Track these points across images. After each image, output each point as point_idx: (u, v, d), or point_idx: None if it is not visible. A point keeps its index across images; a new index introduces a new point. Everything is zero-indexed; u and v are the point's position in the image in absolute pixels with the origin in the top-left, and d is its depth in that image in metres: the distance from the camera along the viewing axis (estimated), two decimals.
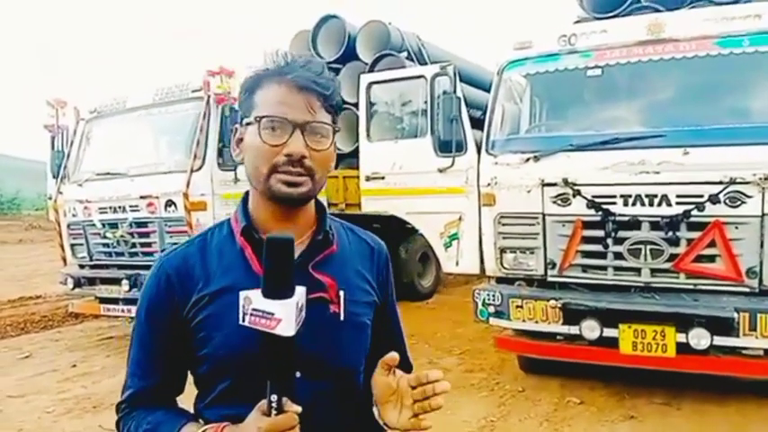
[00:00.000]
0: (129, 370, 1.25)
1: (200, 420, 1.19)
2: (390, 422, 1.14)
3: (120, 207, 6.72)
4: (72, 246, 7.34)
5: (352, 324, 1.21)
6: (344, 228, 1.33)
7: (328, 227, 1.23)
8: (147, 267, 6.20)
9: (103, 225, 6.85)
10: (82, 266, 7.30)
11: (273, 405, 0.98)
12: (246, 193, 1.25)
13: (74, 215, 7.14)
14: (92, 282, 7.03)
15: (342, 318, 1.18)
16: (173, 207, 6.36)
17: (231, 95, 6.41)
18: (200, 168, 6.36)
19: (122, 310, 6.76)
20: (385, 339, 1.33)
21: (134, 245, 6.75)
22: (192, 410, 1.24)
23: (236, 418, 1.06)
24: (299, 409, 1.00)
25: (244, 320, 0.99)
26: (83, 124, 7.53)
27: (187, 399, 1.28)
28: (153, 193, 6.47)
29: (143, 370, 1.23)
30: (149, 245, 6.68)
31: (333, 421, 1.18)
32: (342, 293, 1.19)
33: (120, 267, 6.81)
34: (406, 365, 1.34)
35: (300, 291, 1.00)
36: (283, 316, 0.96)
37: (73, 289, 7.15)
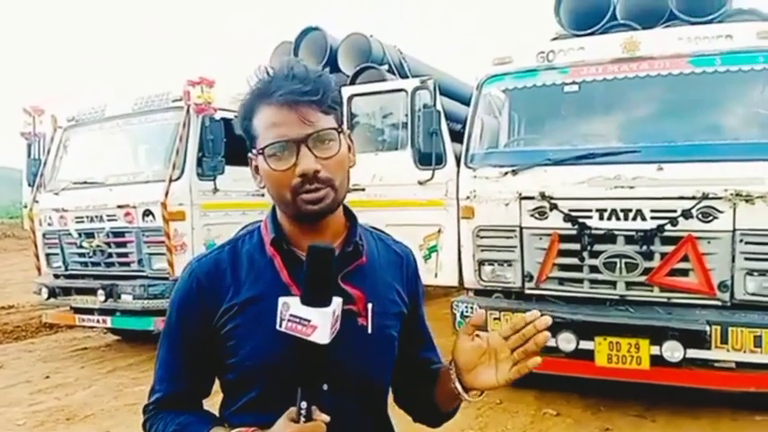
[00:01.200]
0: (158, 374, 1.25)
1: (226, 425, 1.18)
2: (488, 382, 1.13)
3: (96, 216, 6.65)
4: (47, 255, 7.23)
5: (380, 337, 1.20)
6: (374, 237, 1.31)
7: (358, 237, 1.22)
8: (124, 278, 6.18)
9: (80, 234, 6.76)
10: (57, 276, 7.20)
11: (303, 412, 0.99)
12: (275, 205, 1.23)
13: (49, 224, 7.04)
14: (67, 292, 6.94)
15: (369, 331, 1.17)
16: (150, 217, 6.32)
17: (211, 105, 6.40)
18: (178, 178, 6.32)
19: (98, 321, 6.70)
20: (416, 347, 1.34)
21: (111, 255, 6.68)
22: (217, 413, 1.24)
23: (263, 427, 1.06)
24: (328, 418, 1.00)
25: (281, 326, 1.00)
26: (60, 132, 7.45)
27: (212, 400, 1.27)
28: (131, 203, 6.42)
29: (172, 374, 1.23)
30: (126, 255, 6.61)
31: None
32: (370, 306, 1.17)
33: (96, 277, 6.73)
34: (435, 364, 1.34)
35: (337, 301, 1.02)
36: (319, 323, 0.98)
37: (47, 299, 7.04)
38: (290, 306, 1.00)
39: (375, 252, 1.27)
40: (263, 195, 5.46)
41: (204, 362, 1.20)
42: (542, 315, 1.10)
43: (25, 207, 7.82)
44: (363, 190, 5.69)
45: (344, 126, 1.19)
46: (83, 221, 6.75)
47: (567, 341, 4.21)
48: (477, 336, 1.14)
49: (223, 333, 1.15)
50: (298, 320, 0.99)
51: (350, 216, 1.25)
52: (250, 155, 1.18)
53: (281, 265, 1.16)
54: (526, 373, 1.11)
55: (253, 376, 1.14)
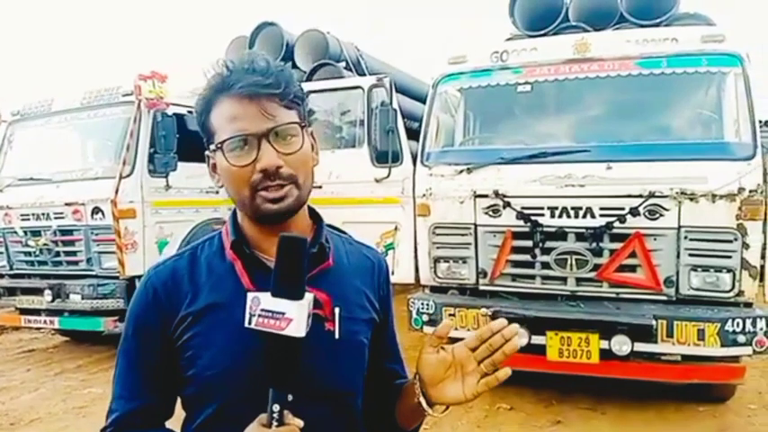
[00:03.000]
0: (115, 392, 1.16)
1: None
2: (455, 397, 1.08)
3: (43, 214, 6.44)
4: None
5: (349, 343, 1.14)
6: (342, 240, 1.25)
7: (324, 239, 1.16)
8: (72, 277, 6.01)
9: (25, 233, 6.55)
10: (1, 276, 6.95)
11: (275, 416, 0.94)
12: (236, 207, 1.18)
13: None
14: (12, 292, 6.71)
15: (337, 336, 1.11)
16: (100, 214, 6.15)
17: (163, 100, 6.27)
18: (129, 175, 6.17)
19: (45, 322, 6.50)
20: (382, 357, 1.28)
21: (58, 253, 6.48)
22: None
23: None
24: (301, 423, 0.95)
25: (250, 322, 0.95)
26: (5, 126, 7.19)
27: (176, 421, 1.21)
28: (79, 200, 6.24)
29: (129, 391, 1.15)
30: (74, 254, 6.43)
31: None
32: (337, 310, 1.12)
33: (43, 277, 6.53)
34: (399, 377, 1.31)
35: (310, 296, 0.97)
36: (295, 316, 0.93)
37: None
38: (261, 301, 0.94)
39: (343, 256, 1.21)
40: (217, 192, 5.42)
41: (164, 376, 1.13)
42: (508, 322, 1.06)
43: None
44: (320, 187, 5.65)
45: (307, 124, 1.14)
46: (29, 219, 6.54)
47: (519, 336, 4.25)
48: (443, 348, 1.10)
49: (180, 343, 1.09)
50: (270, 315, 0.93)
51: (315, 217, 1.20)
52: (207, 152, 1.13)
53: (242, 270, 1.10)
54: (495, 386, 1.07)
55: (213, 388, 1.08)
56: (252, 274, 1.10)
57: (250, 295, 0.96)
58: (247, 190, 1.06)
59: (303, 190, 1.09)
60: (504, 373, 1.06)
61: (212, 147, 1.09)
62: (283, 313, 0.93)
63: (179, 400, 1.19)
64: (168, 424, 1.21)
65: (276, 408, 0.94)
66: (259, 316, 0.94)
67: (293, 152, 1.07)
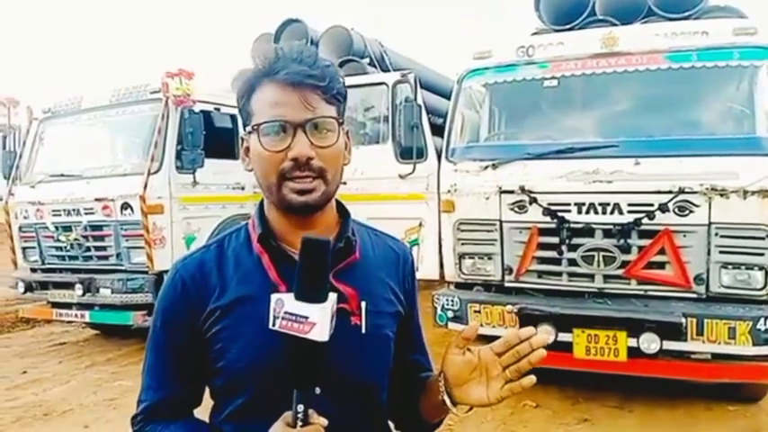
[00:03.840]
0: (145, 382, 1.19)
1: None
2: (479, 399, 1.08)
3: (74, 210, 6.56)
4: (23, 249, 7.14)
5: (375, 337, 1.14)
6: (368, 232, 1.25)
7: (351, 232, 1.16)
8: (102, 272, 6.14)
9: (57, 228, 6.68)
10: (34, 270, 7.12)
11: (299, 416, 0.94)
12: (263, 199, 1.18)
13: (25, 217, 6.95)
14: (44, 286, 6.87)
15: (363, 330, 1.11)
16: (129, 210, 6.25)
17: (190, 97, 6.34)
18: (157, 171, 6.26)
19: (76, 315, 6.62)
20: (408, 349, 1.28)
21: (88, 248, 6.60)
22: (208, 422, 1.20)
23: None
24: (325, 422, 0.96)
25: (274, 324, 0.95)
26: (36, 124, 7.34)
27: (204, 410, 1.23)
28: (108, 196, 6.34)
29: (159, 381, 1.17)
30: (104, 248, 6.54)
31: None
32: (363, 304, 1.12)
33: (74, 271, 6.68)
34: (424, 369, 1.31)
35: (333, 297, 0.97)
36: (318, 320, 0.93)
37: (24, 293, 6.98)
38: (285, 303, 0.94)
39: (370, 249, 1.21)
40: (243, 189, 5.50)
41: (192, 367, 1.14)
42: (537, 335, 1.06)
43: (0, 200, 7.69)
44: (345, 183, 5.65)
45: (344, 122, 1.13)
46: (60, 215, 6.66)
47: (545, 333, 4.25)
48: (469, 350, 1.09)
49: (209, 336, 1.10)
50: (294, 318, 0.93)
51: (342, 211, 1.20)
52: (242, 134, 1.14)
53: (269, 263, 1.11)
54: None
55: (241, 380, 1.09)
56: (279, 266, 1.10)
57: (274, 297, 0.96)
58: (275, 177, 1.06)
59: (330, 185, 1.09)
60: (529, 380, 1.05)
61: (248, 129, 1.10)
62: (307, 317, 0.93)
63: (206, 390, 1.21)
64: (196, 412, 1.23)
65: (300, 408, 0.95)
66: (283, 318, 0.94)
67: (327, 146, 1.07)
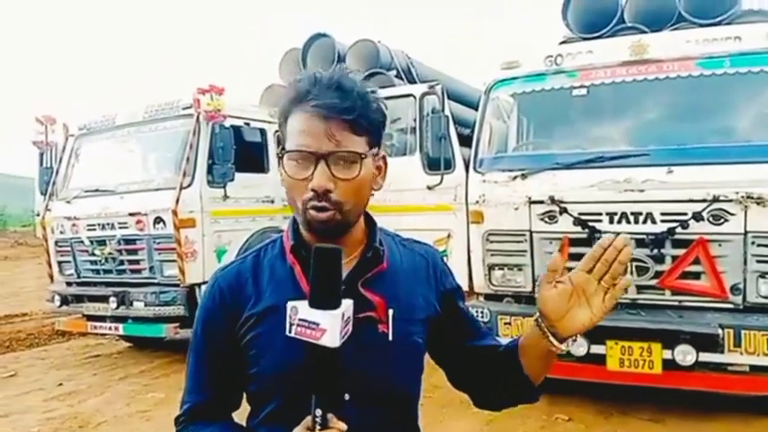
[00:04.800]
0: (187, 385, 1.24)
1: None
2: (585, 322, 1.09)
3: (108, 224, 6.70)
4: (59, 263, 7.30)
5: (402, 344, 1.17)
6: (396, 241, 1.28)
7: (378, 242, 1.19)
8: (135, 285, 6.24)
9: (91, 242, 6.82)
10: (69, 284, 7.27)
11: (318, 420, 0.97)
12: None
13: (61, 232, 7.11)
14: (79, 299, 7.00)
15: (390, 338, 1.14)
16: (161, 224, 6.35)
17: (221, 113, 6.44)
18: (189, 185, 6.36)
19: (110, 328, 6.73)
20: (469, 338, 1.30)
21: (122, 262, 6.73)
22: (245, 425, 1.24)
23: None
24: (344, 426, 0.98)
25: (290, 331, 0.98)
26: (72, 141, 7.53)
27: (243, 414, 1.28)
28: (142, 210, 6.46)
29: (199, 385, 1.23)
30: (138, 262, 6.65)
31: None
32: (391, 312, 1.15)
33: (108, 285, 6.79)
34: (494, 349, 1.30)
35: (347, 303, 0.99)
36: (328, 326, 0.95)
37: (60, 306, 7.11)
38: (299, 310, 0.97)
39: (398, 257, 1.24)
40: (272, 202, 5.55)
41: (229, 372, 1.19)
42: (618, 237, 1.07)
43: (37, 215, 7.88)
44: (373, 195, 5.68)
45: (379, 149, 1.15)
46: (94, 229, 6.81)
47: (578, 345, 4.18)
48: (559, 281, 1.11)
49: (245, 343, 1.15)
50: (306, 324, 0.96)
51: (370, 221, 1.23)
52: (279, 153, 1.18)
53: (300, 273, 1.15)
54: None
55: (273, 386, 1.14)
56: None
57: (290, 304, 0.99)
58: (300, 203, 1.10)
59: (347, 216, 1.11)
60: (625, 282, 1.09)
61: (277, 152, 1.15)
62: (318, 324, 0.96)
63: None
64: (235, 415, 1.27)
65: (318, 412, 0.97)
66: (297, 325, 0.97)
67: (348, 179, 1.09)
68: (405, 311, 1.18)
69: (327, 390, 0.99)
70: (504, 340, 1.33)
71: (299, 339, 0.98)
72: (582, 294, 1.09)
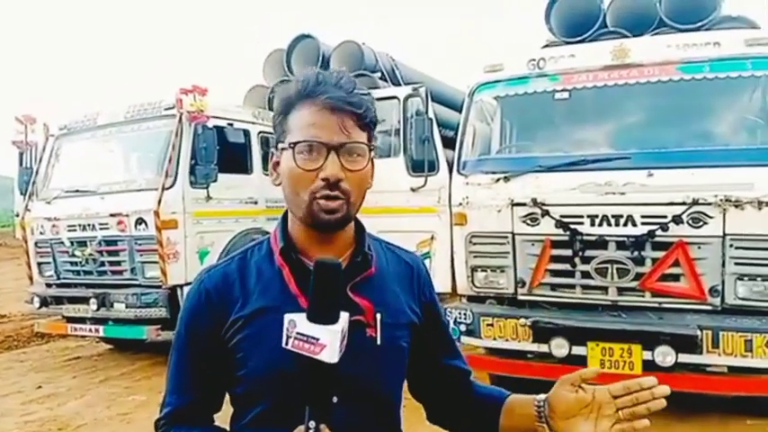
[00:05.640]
0: (169, 386, 1.23)
1: None
2: None
3: (89, 225, 6.64)
4: (39, 264, 7.21)
5: (389, 348, 1.18)
6: (383, 246, 1.30)
7: (367, 247, 1.21)
8: (116, 286, 6.17)
9: (72, 243, 6.75)
10: (49, 285, 7.19)
11: (311, 431, 0.97)
12: (286, 212, 1.23)
13: (41, 233, 7.03)
14: (59, 301, 6.92)
15: (378, 342, 1.16)
16: (143, 225, 6.30)
17: (204, 113, 6.41)
18: (171, 186, 6.32)
19: (90, 330, 6.67)
20: (442, 355, 1.34)
21: (103, 263, 6.66)
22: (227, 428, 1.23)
23: None
24: None
25: (287, 344, 0.98)
26: (52, 141, 7.44)
27: (224, 415, 1.27)
28: (123, 211, 6.41)
29: (181, 387, 1.22)
30: (119, 263, 6.60)
31: None
32: (378, 316, 1.16)
33: (89, 286, 6.72)
34: (464, 372, 1.37)
35: (345, 317, 0.99)
36: (328, 342, 0.95)
37: (39, 308, 7.03)
38: (297, 323, 0.97)
39: (384, 262, 1.26)
40: (256, 203, 5.53)
41: (213, 374, 1.19)
42: (659, 385, 1.08)
43: (17, 216, 7.78)
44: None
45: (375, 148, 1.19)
46: (75, 230, 6.74)
47: (559, 347, 4.22)
48: (581, 387, 1.13)
49: (231, 345, 1.15)
50: (305, 339, 0.96)
51: (359, 226, 1.24)
52: (273, 150, 1.19)
53: (289, 276, 1.15)
54: None
55: (261, 389, 1.14)
56: (298, 279, 1.14)
57: (287, 317, 0.99)
58: (307, 194, 1.11)
59: (352, 208, 1.14)
60: (643, 424, 1.09)
61: (282, 145, 1.15)
62: (317, 339, 0.96)
63: (227, 396, 1.24)
64: (216, 418, 1.26)
65: (312, 424, 0.97)
66: (295, 338, 0.97)
67: (356, 170, 1.12)
68: (391, 316, 1.19)
69: (321, 401, 0.99)
70: (480, 382, 1.37)
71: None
72: (596, 411, 1.11)
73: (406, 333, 1.23)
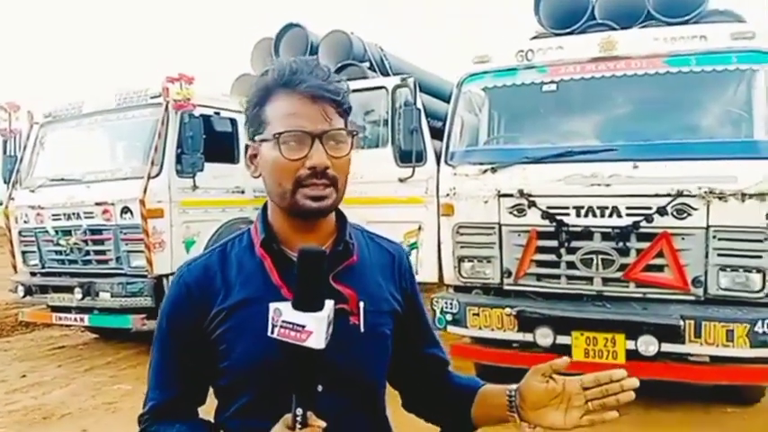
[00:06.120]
0: (151, 382, 1.23)
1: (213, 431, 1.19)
2: (555, 424, 1.13)
3: (74, 214, 6.58)
4: (23, 253, 7.15)
5: (373, 336, 1.19)
6: (364, 235, 1.31)
7: (348, 236, 1.21)
8: (101, 276, 6.13)
9: (56, 232, 6.69)
10: (33, 274, 7.13)
11: (298, 419, 0.98)
12: (266, 204, 1.23)
13: (25, 221, 6.96)
14: (43, 290, 6.87)
15: (362, 329, 1.16)
16: (129, 214, 6.26)
17: (191, 102, 6.36)
18: (157, 175, 6.27)
19: (75, 319, 6.63)
20: (421, 344, 1.36)
21: (88, 252, 6.61)
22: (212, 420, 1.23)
23: (260, 430, 1.05)
24: (324, 424, 0.99)
25: (273, 332, 0.98)
26: (37, 129, 7.35)
27: (209, 408, 1.26)
28: (108, 200, 6.36)
29: (164, 381, 1.21)
30: (104, 252, 6.55)
31: None
32: (362, 304, 1.17)
33: (73, 275, 6.67)
34: (442, 362, 1.38)
35: (330, 304, 1.00)
36: (314, 329, 0.96)
37: (24, 297, 6.98)
38: (283, 312, 0.97)
39: (366, 251, 1.26)
40: (243, 192, 5.51)
41: (197, 367, 1.18)
42: (629, 378, 1.11)
43: (0, 204, 7.70)
44: None
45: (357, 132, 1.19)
46: (60, 219, 6.68)
47: (544, 336, 4.26)
48: (552, 378, 1.15)
49: (214, 337, 1.14)
50: (291, 326, 0.96)
51: (340, 215, 1.25)
52: (249, 142, 1.18)
53: (271, 267, 1.15)
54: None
55: (245, 380, 1.14)
56: (281, 270, 1.15)
57: (272, 306, 0.99)
58: (291, 184, 1.10)
59: (339, 194, 1.15)
60: (612, 415, 1.11)
61: (261, 136, 1.14)
62: (304, 326, 0.96)
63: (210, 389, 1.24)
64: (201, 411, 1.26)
65: (299, 411, 0.98)
66: (281, 327, 0.97)
67: (340, 157, 1.12)
68: (374, 304, 1.20)
69: (307, 388, 1.00)
70: (459, 374, 1.39)
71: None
72: (565, 401, 1.13)
73: (389, 320, 1.24)
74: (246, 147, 1.19)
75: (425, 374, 1.36)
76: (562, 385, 1.14)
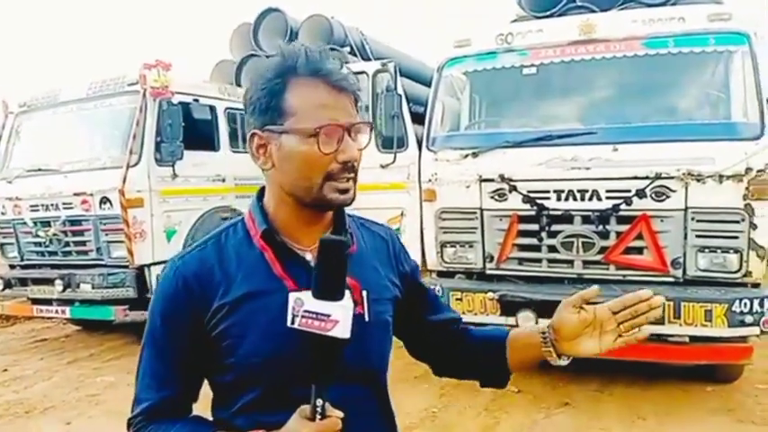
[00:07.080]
0: (143, 381, 1.17)
1: (217, 427, 1.16)
2: (591, 351, 1.18)
3: (52, 205, 6.48)
4: (1, 245, 7.05)
5: (377, 324, 1.19)
6: (357, 223, 1.30)
7: (347, 226, 1.21)
8: (82, 267, 6.02)
9: (35, 223, 6.60)
10: (12, 266, 7.05)
11: (318, 410, 0.97)
12: (260, 193, 1.20)
13: (3, 213, 6.85)
14: (23, 282, 6.78)
15: (367, 318, 1.16)
16: (108, 204, 6.18)
17: (169, 89, 6.27)
18: (136, 164, 6.19)
19: (56, 311, 6.56)
20: (434, 313, 1.39)
21: (68, 244, 6.53)
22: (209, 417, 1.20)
23: (271, 425, 1.03)
24: (341, 414, 0.99)
25: (293, 323, 0.97)
26: (12, 118, 7.22)
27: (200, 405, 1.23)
28: (87, 190, 6.27)
29: (160, 380, 1.15)
30: (84, 243, 6.48)
31: (362, 423, 1.14)
32: (365, 294, 1.17)
33: (54, 267, 6.60)
34: (454, 320, 1.42)
35: (348, 293, 1.00)
36: (340, 317, 0.96)
37: (3, 290, 6.88)
38: (305, 301, 0.96)
39: (361, 239, 1.26)
40: (223, 180, 5.44)
41: (195, 365, 1.15)
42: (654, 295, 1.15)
43: None
44: None
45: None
46: (38, 210, 6.58)
47: (526, 319, 4.29)
48: (583, 308, 1.18)
49: (216, 333, 1.10)
50: (314, 316, 0.95)
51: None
52: (259, 132, 1.11)
53: (273, 259, 1.13)
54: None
55: (253, 375, 1.10)
56: (283, 262, 1.13)
57: (292, 296, 0.98)
58: (320, 177, 1.09)
59: (356, 185, 1.15)
60: (643, 334, 1.17)
61: (282, 128, 1.09)
62: (329, 315, 0.96)
63: (207, 386, 1.21)
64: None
65: (320, 402, 0.97)
66: (302, 317, 0.96)
67: (362, 149, 1.13)
68: (376, 292, 1.20)
69: (328, 379, 0.99)
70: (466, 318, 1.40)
71: (289, 329, 0.97)
72: (598, 328, 1.18)
73: (390, 307, 1.25)
74: (252, 136, 1.13)
75: (446, 338, 1.38)
76: (593, 313, 1.18)
